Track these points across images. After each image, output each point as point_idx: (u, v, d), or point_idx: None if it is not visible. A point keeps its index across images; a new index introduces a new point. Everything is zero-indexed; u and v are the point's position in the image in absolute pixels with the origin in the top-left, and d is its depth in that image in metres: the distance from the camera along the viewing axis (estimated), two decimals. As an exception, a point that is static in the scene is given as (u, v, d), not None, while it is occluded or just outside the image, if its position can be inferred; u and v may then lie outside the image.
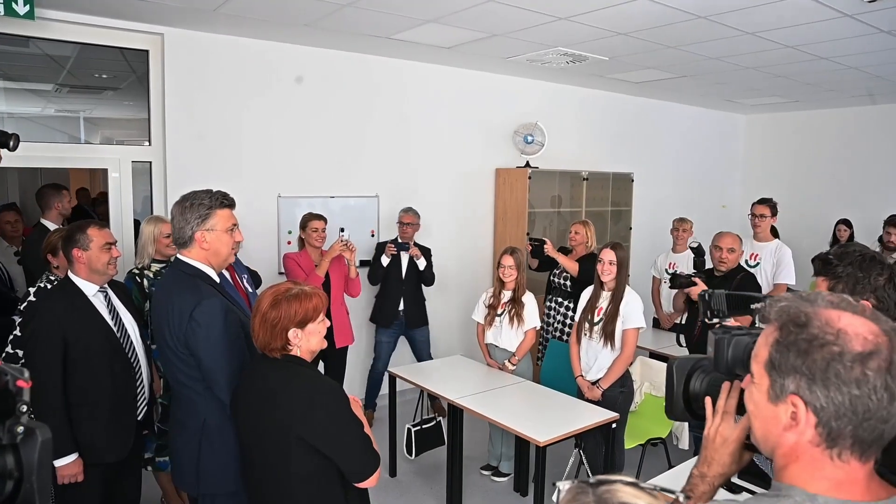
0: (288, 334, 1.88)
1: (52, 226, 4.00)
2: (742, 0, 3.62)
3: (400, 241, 4.90)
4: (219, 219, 2.19)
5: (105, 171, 4.44)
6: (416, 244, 4.98)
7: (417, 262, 4.92)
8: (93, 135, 5.61)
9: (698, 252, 4.33)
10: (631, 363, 3.73)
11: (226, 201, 2.22)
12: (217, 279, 2.25)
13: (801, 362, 0.84)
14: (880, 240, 6.47)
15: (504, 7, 3.82)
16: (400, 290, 4.98)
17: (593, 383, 3.69)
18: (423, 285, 5.08)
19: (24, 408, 0.77)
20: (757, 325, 1.17)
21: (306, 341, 1.93)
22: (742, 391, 1.07)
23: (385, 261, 4.90)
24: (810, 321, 0.85)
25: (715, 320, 1.43)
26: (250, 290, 3.27)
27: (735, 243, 3.93)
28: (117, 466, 2.60)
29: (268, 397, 1.88)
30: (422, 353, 5.15)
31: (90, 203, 7.60)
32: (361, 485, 1.89)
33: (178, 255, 2.23)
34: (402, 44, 4.80)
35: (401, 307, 4.98)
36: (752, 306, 1.38)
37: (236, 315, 2.17)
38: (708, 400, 1.15)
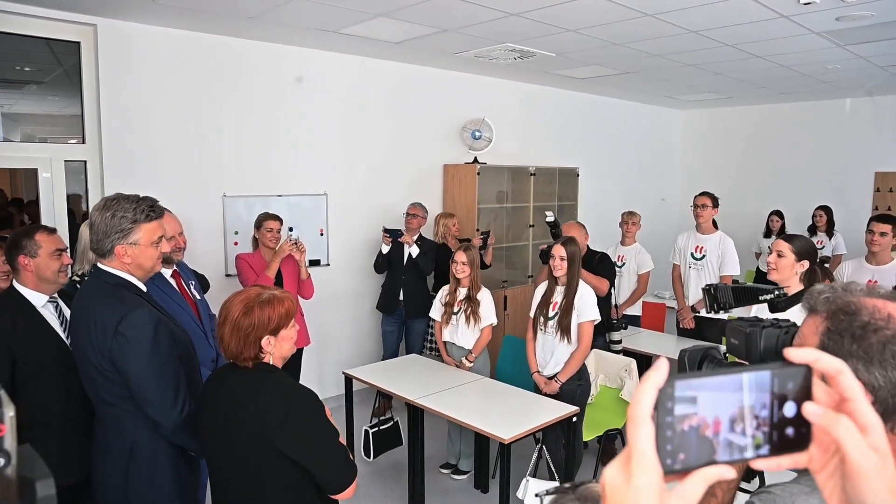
0: (261, 342, 1.79)
1: None
2: (688, -1, 3.72)
3: (404, 231, 5.01)
4: (143, 233, 1.98)
5: (33, 171, 4.16)
6: (422, 237, 5.10)
7: (410, 249, 5.00)
8: (12, 132, 5.25)
9: (555, 224, 4.49)
10: (587, 355, 3.79)
11: (153, 213, 2.01)
12: (143, 288, 2.08)
13: (856, 347, 0.90)
14: (809, 229, 6.84)
15: (455, 2, 3.80)
16: (399, 279, 5.05)
17: (551, 377, 3.73)
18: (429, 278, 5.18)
19: (1, 461, 0.63)
20: (754, 316, 1.18)
21: (279, 348, 1.85)
22: None
23: (384, 248, 5.02)
24: (860, 309, 0.92)
25: (721, 313, 1.46)
26: (198, 296, 3.11)
27: (576, 231, 4.44)
28: (72, 489, 2.43)
29: (239, 408, 1.79)
30: (414, 345, 5.14)
31: (4, 206, 7.07)
32: (339, 496, 1.83)
33: (98, 264, 2.03)
34: (349, 38, 4.70)
35: (401, 296, 5.04)
36: (761, 297, 1.41)
37: (167, 326, 2.01)
38: None
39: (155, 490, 2.01)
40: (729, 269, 4.67)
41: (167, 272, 2.91)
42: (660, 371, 0.52)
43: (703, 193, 4.93)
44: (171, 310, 2.45)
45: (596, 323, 3.73)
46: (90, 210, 2.04)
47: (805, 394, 0.54)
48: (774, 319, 1.13)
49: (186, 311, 2.89)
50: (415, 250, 5.00)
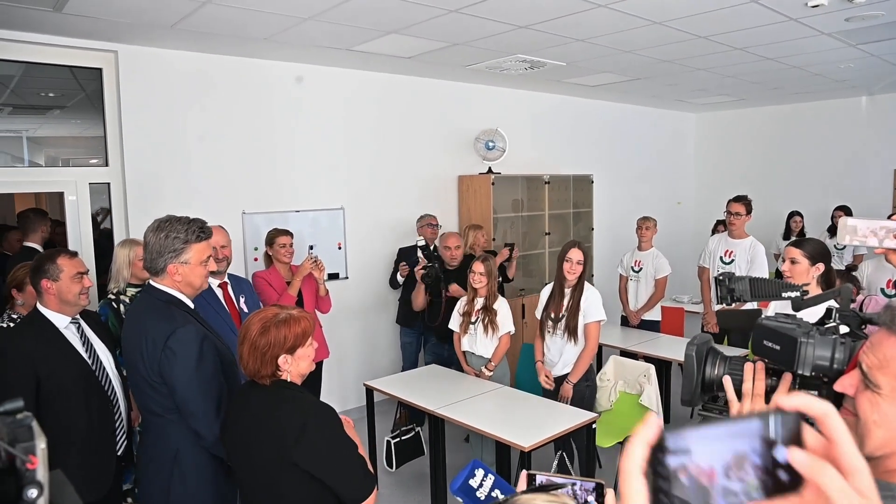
0: (278, 361, 1.85)
1: (39, 248, 4.03)
2: (695, 6, 3.75)
3: (419, 244, 4.88)
4: (194, 253, 2.13)
5: (58, 194, 4.29)
6: (435, 247, 5.10)
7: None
8: (36, 154, 5.40)
9: (426, 248, 4.57)
10: (594, 355, 3.85)
11: (202, 234, 2.16)
12: (192, 305, 2.21)
13: None
14: (829, 229, 6.78)
15: (465, 17, 3.86)
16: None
17: (560, 378, 3.81)
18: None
19: (34, 492, 0.65)
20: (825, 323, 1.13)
21: (296, 366, 1.90)
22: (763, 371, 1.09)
23: (399, 279, 5.08)
24: None
25: (734, 304, 1.42)
26: (246, 310, 3.21)
27: (458, 241, 4.85)
28: (96, 504, 2.51)
29: (259, 425, 1.85)
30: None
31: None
32: None
33: (151, 282, 2.17)
34: (362, 55, 4.79)
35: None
36: (784, 294, 1.36)
37: (212, 343, 2.13)
38: (728, 384, 1.13)
39: (195, 496, 2.09)
40: (757, 276, 4.62)
41: (214, 282, 3.02)
42: (649, 427, 0.53)
43: (738, 200, 4.82)
44: (211, 320, 2.55)
45: (606, 326, 3.78)
46: (145, 231, 2.17)
47: (796, 439, 0.54)
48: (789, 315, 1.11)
49: (226, 322, 2.99)
50: None
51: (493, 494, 1.01)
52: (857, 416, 0.93)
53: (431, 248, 5.07)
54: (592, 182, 7.07)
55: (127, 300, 3.20)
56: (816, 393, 1.07)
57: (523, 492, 0.83)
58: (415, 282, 5.08)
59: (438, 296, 4.70)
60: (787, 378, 1.09)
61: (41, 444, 0.68)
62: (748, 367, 1.13)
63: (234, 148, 4.76)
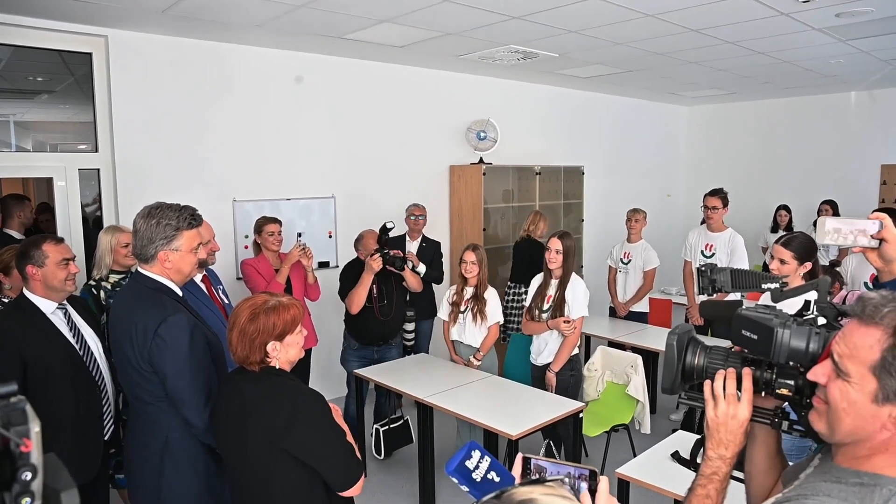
0: (267, 347, 1.86)
1: (16, 234, 3.98)
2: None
3: (408, 238, 4.83)
4: (185, 240, 2.11)
5: (46, 179, 4.26)
6: (424, 237, 5.04)
7: (416, 269, 4.63)
8: (23, 139, 5.35)
9: (384, 230, 4.37)
10: (576, 345, 3.90)
11: (194, 222, 2.14)
12: (180, 293, 2.19)
13: None
14: (815, 224, 6.84)
15: (458, 7, 3.85)
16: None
17: (543, 367, 3.89)
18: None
19: (29, 475, 0.66)
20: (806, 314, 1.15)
21: (285, 353, 1.91)
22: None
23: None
24: None
25: (714, 295, 1.44)
26: (226, 300, 3.20)
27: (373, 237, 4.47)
28: (84, 489, 2.52)
29: (248, 411, 1.86)
30: (420, 345, 5.13)
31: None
32: (346, 493, 1.89)
33: (139, 269, 2.15)
34: (355, 43, 4.77)
35: (407, 298, 4.91)
36: (764, 286, 1.39)
37: (202, 331, 2.12)
38: (707, 388, 1.17)
39: (186, 485, 2.10)
40: (738, 267, 4.68)
41: (198, 277, 3.01)
42: None
43: (713, 194, 4.87)
44: (201, 312, 2.55)
45: (597, 320, 3.81)
46: (135, 217, 2.15)
47: None
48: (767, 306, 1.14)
49: (215, 314, 2.99)
50: (421, 268, 4.73)
51: (489, 476, 1.02)
52: (828, 404, 0.97)
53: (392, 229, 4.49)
54: (583, 173, 7.09)
55: (108, 286, 3.19)
56: (792, 382, 1.10)
57: (521, 484, 0.84)
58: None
59: (389, 290, 4.35)
60: (747, 373, 1.13)
61: (35, 428, 0.70)
62: (719, 373, 1.17)
63: (225, 135, 4.74)
